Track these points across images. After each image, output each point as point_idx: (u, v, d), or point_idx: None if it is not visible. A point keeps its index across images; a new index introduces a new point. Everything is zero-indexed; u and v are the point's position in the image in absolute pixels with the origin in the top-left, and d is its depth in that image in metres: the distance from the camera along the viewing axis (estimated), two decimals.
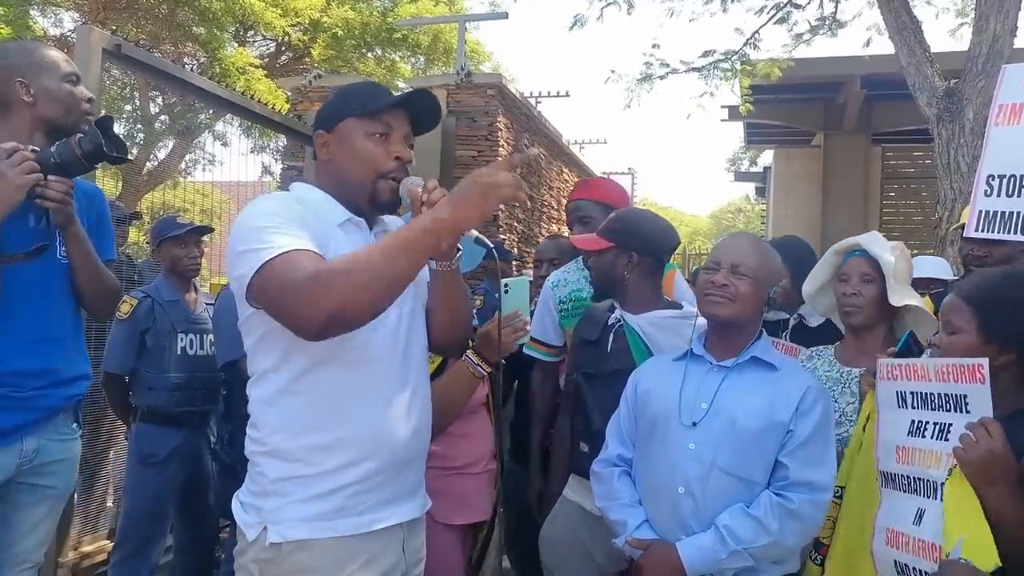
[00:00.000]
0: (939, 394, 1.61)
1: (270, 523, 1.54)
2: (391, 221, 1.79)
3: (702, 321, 2.04)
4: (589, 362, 2.35)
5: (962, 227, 2.83)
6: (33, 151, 1.93)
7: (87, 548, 3.60)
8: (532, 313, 3.04)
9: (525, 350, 2.93)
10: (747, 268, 1.91)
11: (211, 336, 3.30)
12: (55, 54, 2.13)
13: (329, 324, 1.41)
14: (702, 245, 21.10)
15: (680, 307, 2.42)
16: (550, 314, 2.91)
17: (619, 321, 2.35)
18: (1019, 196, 1.64)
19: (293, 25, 12.73)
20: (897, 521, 1.69)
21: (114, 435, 3.88)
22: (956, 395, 1.57)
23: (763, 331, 2.02)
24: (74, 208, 2.04)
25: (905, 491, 1.69)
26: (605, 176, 2.87)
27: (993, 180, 1.67)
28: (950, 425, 1.58)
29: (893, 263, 2.21)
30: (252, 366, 1.62)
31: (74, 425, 2.21)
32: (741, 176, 18.41)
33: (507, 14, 8.07)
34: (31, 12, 11.69)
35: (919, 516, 1.63)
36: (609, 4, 7.52)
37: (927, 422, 1.64)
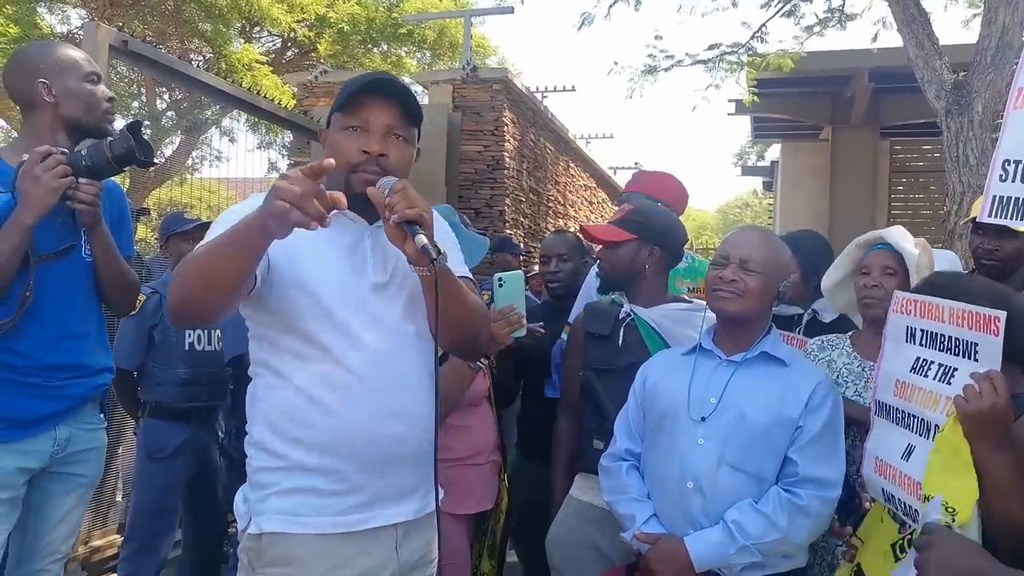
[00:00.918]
0: (950, 337, 1.58)
1: (254, 514, 1.57)
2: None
3: (711, 315, 2.03)
4: (601, 358, 2.33)
5: (972, 220, 2.80)
6: (63, 154, 1.97)
7: (97, 542, 3.63)
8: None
9: (564, 337, 2.89)
10: (756, 263, 1.90)
11: (218, 331, 3.31)
12: (76, 53, 2.17)
13: (178, 312, 1.46)
14: (709, 240, 21.03)
15: (684, 301, 2.41)
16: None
17: (629, 315, 2.34)
18: None
19: (299, 21, 12.72)
20: (886, 452, 1.69)
21: (123, 430, 3.90)
22: (967, 341, 1.54)
23: (772, 326, 2.02)
24: (101, 209, 2.08)
25: (898, 424, 1.69)
26: (666, 173, 2.86)
27: (1009, 165, 1.64)
28: (955, 370, 1.56)
29: (917, 256, 2.20)
30: (250, 359, 1.65)
31: (100, 415, 2.30)
32: (748, 170, 18.33)
33: (513, 9, 8.03)
34: (39, 10, 11.72)
35: (908, 452, 1.63)
36: (617, 1, 7.48)
37: (932, 362, 1.62)
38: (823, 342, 2.35)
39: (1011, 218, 1.65)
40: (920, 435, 1.61)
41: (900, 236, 2.27)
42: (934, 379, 1.60)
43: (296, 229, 1.33)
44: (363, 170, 1.56)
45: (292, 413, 1.56)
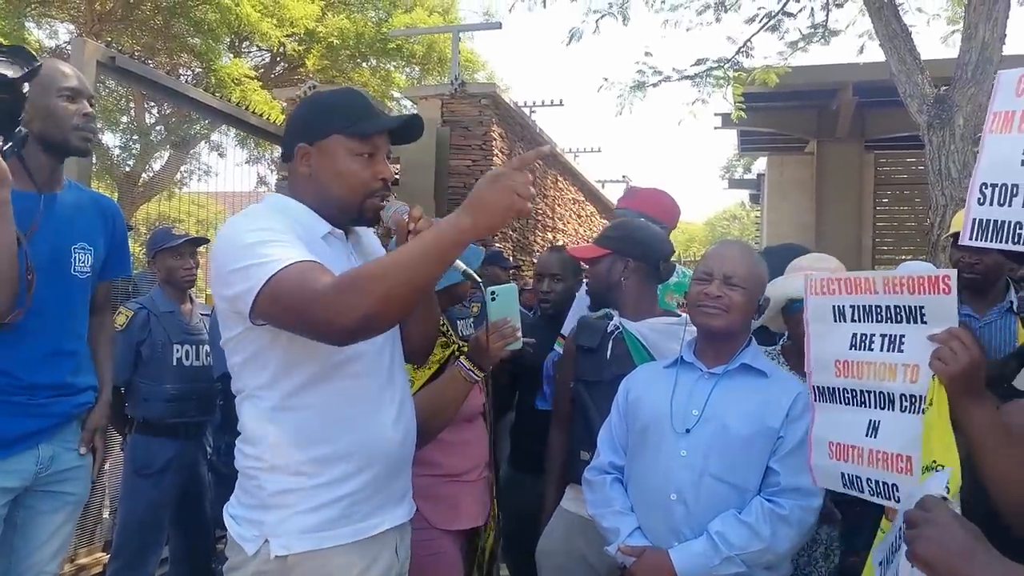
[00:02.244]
0: (887, 307, 1.60)
1: (272, 536, 1.55)
2: (363, 232, 1.82)
3: (692, 328, 2.06)
4: (590, 370, 2.37)
5: (955, 235, 2.86)
6: None
7: (83, 560, 3.60)
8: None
9: (557, 348, 2.93)
10: (740, 278, 1.93)
11: (207, 347, 3.30)
12: (55, 69, 2.15)
13: (360, 328, 1.43)
14: (697, 252, 21.13)
15: (674, 315, 2.43)
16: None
17: (618, 328, 2.36)
18: (1010, 206, 1.64)
19: (288, 35, 12.75)
20: (842, 435, 1.68)
21: (110, 446, 3.88)
22: (909, 306, 1.56)
23: (752, 338, 2.04)
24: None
25: (849, 404, 1.68)
26: (658, 190, 2.88)
27: (986, 188, 1.67)
28: (902, 336, 1.58)
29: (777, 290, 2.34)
30: (240, 383, 1.62)
31: (83, 434, 2.27)
32: (735, 183, 18.45)
33: (501, 24, 8.08)
34: (27, 24, 11.71)
35: (873, 428, 1.62)
36: (604, 16, 7.54)
37: (872, 334, 1.63)
38: (767, 351, 2.45)
39: (990, 240, 1.67)
40: (883, 408, 1.61)
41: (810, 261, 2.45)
42: (882, 350, 1.61)
43: (317, 248, 1.55)
44: (378, 195, 1.66)
45: (315, 432, 1.57)
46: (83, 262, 2.22)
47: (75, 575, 3.52)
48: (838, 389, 1.71)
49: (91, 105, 2.19)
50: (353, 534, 1.59)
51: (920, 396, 1.54)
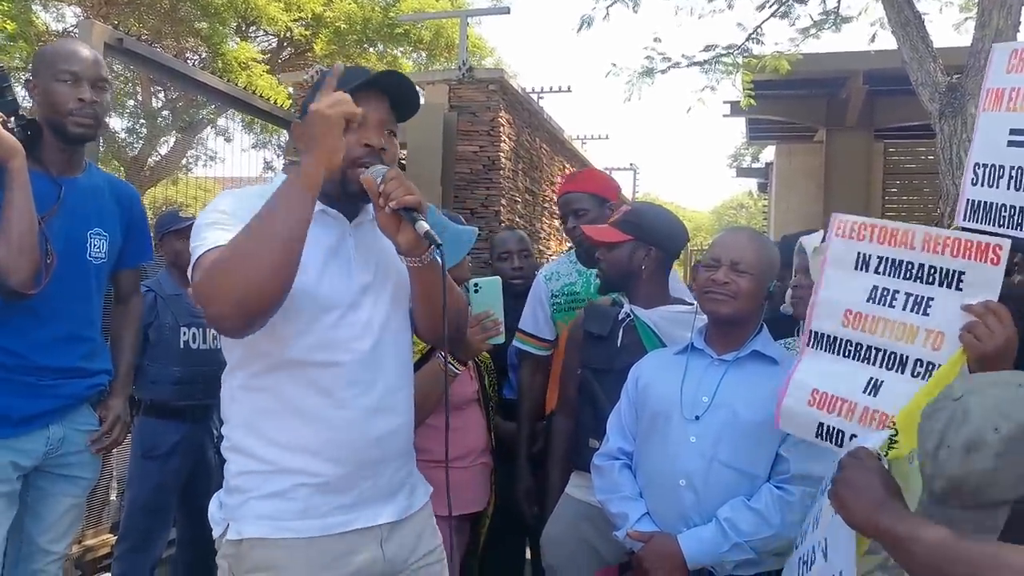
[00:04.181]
0: (921, 264, 1.50)
1: (232, 519, 1.54)
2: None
3: (702, 315, 2.05)
4: (599, 358, 2.35)
5: (959, 228, 2.83)
6: None
7: (90, 542, 3.62)
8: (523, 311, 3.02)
9: (515, 343, 2.91)
10: (747, 265, 1.91)
11: (213, 330, 3.31)
12: (59, 50, 2.11)
13: (242, 312, 1.34)
14: (704, 240, 21.07)
15: (684, 303, 2.41)
16: (542, 307, 2.90)
17: (628, 316, 2.35)
18: (997, 187, 1.59)
19: (295, 20, 12.71)
20: (832, 385, 1.61)
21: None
22: (946, 269, 1.46)
23: (763, 325, 2.03)
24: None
25: (849, 357, 1.60)
26: (592, 168, 2.85)
27: (979, 169, 1.62)
28: (930, 299, 1.49)
29: (813, 246, 2.22)
30: (226, 359, 1.62)
31: (95, 418, 2.25)
32: (743, 172, 18.39)
33: (509, 9, 8.03)
34: (34, 7, 11.69)
35: (874, 386, 1.54)
36: (614, 3, 7.48)
37: (896, 291, 1.53)
38: (787, 344, 2.40)
39: (983, 222, 1.62)
40: (890, 369, 1.54)
41: (810, 238, 2.30)
42: (904, 310, 1.52)
43: None
44: (363, 164, 1.52)
45: (275, 416, 1.52)
46: (98, 248, 2.20)
47: (82, 556, 3.54)
48: (840, 339, 1.62)
49: (102, 88, 2.12)
50: (315, 529, 1.52)
51: (937, 365, 1.46)
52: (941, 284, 1.48)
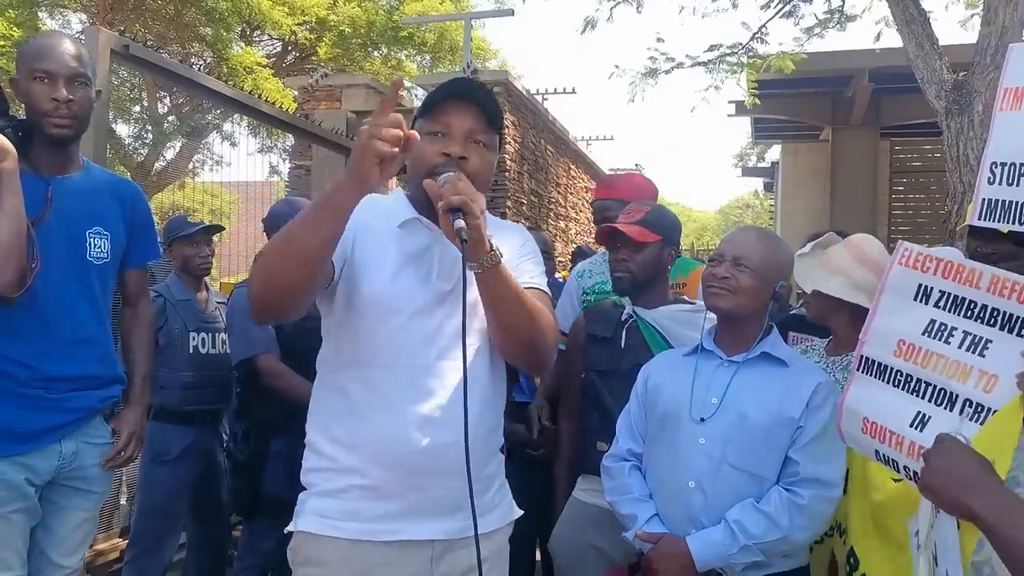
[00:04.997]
0: (984, 305, 1.47)
1: (296, 513, 1.60)
2: (500, 229, 1.67)
3: (712, 316, 2.04)
4: (604, 360, 2.34)
5: (968, 226, 2.83)
6: None
7: (101, 546, 3.63)
8: None
9: None
10: (750, 261, 1.91)
11: (223, 335, 3.32)
12: (33, 49, 2.03)
13: (260, 309, 1.46)
14: (711, 241, 21.05)
15: (687, 302, 2.41)
16: (572, 304, 2.90)
17: (631, 317, 2.35)
18: (1019, 185, 1.59)
19: (300, 24, 12.75)
20: (880, 415, 1.60)
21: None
22: (1010, 313, 1.44)
23: (773, 326, 2.03)
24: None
25: (897, 386, 1.59)
26: (632, 171, 2.82)
27: (996, 168, 1.61)
28: (988, 341, 1.46)
29: (802, 255, 2.27)
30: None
31: (108, 430, 2.21)
32: (749, 171, 18.36)
33: (513, 11, 8.07)
34: (40, 14, 11.76)
35: (921, 421, 1.53)
36: (618, 4, 7.49)
37: (954, 328, 1.51)
38: (806, 347, 2.42)
39: (1000, 221, 1.62)
40: (939, 405, 1.52)
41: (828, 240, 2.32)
42: (961, 348, 1.50)
43: (379, 236, 1.54)
44: (439, 173, 1.51)
45: (339, 414, 1.57)
46: (99, 247, 2.14)
47: (93, 561, 3.56)
48: (891, 369, 1.61)
49: (81, 84, 2.03)
50: (361, 533, 1.53)
51: (987, 408, 1.45)
52: (1002, 328, 1.45)
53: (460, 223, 1.41)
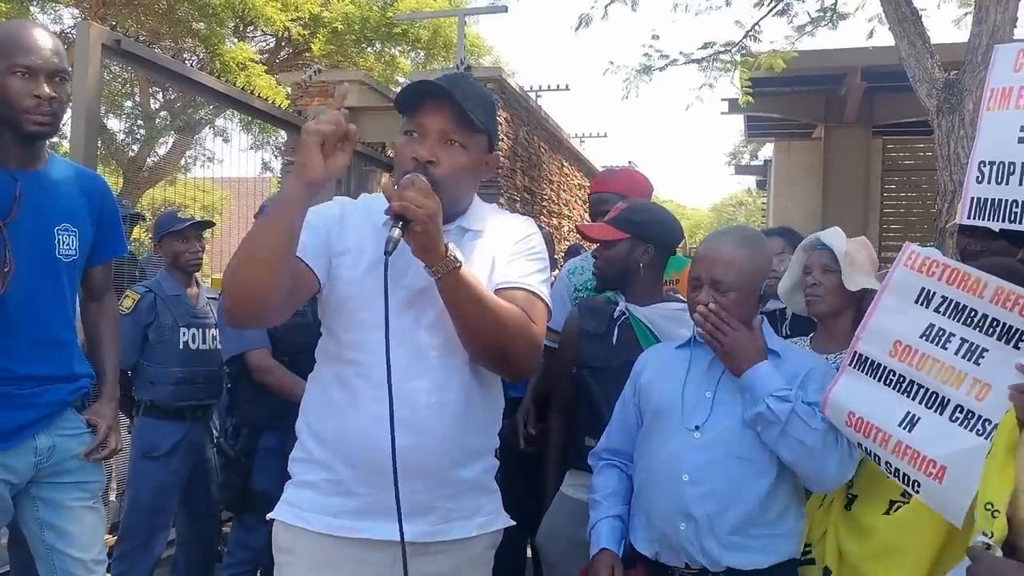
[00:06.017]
0: (985, 315, 1.49)
1: (279, 501, 1.65)
2: (492, 223, 1.66)
3: None
4: (595, 356, 2.34)
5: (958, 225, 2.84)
6: None
7: None
8: None
9: None
10: (729, 282, 1.85)
11: (213, 331, 3.31)
12: (14, 41, 1.93)
13: (229, 308, 1.50)
14: (703, 239, 21.09)
15: (679, 300, 2.41)
16: (562, 301, 2.90)
17: (624, 314, 2.34)
18: (1007, 184, 1.61)
19: (293, 20, 12.71)
20: (868, 412, 1.62)
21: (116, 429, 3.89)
22: (1009, 325, 1.46)
23: (764, 317, 2.02)
24: None
25: (888, 385, 1.62)
26: (627, 166, 2.82)
27: (984, 167, 1.63)
28: (985, 350, 1.48)
29: (845, 249, 2.27)
30: None
31: (81, 420, 2.16)
32: (742, 169, 18.40)
33: (506, 8, 8.05)
34: (31, 9, 11.70)
35: (910, 421, 1.56)
36: (613, 1, 7.48)
37: (952, 334, 1.53)
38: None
39: (988, 219, 1.63)
40: (930, 408, 1.55)
41: (834, 235, 2.35)
42: (956, 355, 1.52)
43: (359, 234, 1.57)
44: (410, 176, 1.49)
45: (318, 408, 1.62)
46: (68, 244, 2.06)
47: None
48: (884, 368, 1.64)
49: (62, 81, 1.97)
50: (323, 526, 1.54)
51: (978, 415, 1.47)
52: (1000, 338, 1.48)
53: (395, 232, 1.38)
